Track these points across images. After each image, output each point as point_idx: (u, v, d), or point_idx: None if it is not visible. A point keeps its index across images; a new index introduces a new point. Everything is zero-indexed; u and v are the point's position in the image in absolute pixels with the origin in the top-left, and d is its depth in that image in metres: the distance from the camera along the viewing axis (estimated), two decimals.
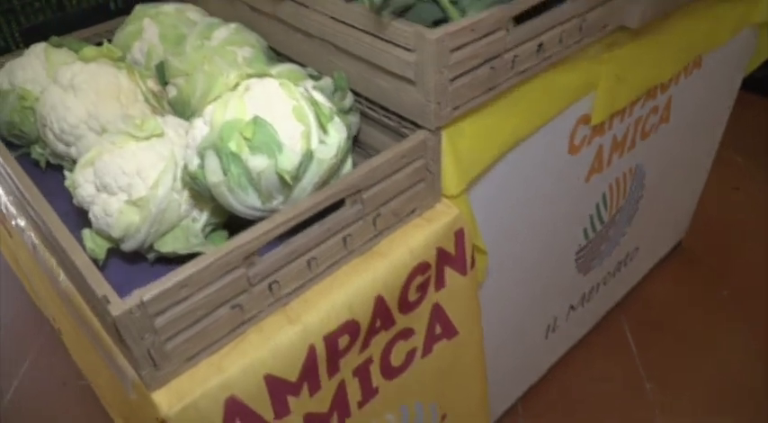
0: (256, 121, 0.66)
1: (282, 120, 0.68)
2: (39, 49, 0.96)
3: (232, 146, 0.66)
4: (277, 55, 1.02)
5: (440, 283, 0.91)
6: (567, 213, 1.24)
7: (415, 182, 0.83)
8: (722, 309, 1.75)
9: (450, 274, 0.91)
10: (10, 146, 0.98)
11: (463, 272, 0.92)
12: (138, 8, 1.05)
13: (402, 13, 0.77)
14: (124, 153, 0.74)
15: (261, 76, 0.73)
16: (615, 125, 1.20)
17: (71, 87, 0.86)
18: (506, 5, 0.80)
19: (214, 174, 0.67)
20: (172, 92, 0.95)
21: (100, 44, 0.96)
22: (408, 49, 0.77)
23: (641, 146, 1.33)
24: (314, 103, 0.71)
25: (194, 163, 0.69)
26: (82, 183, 0.75)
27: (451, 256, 0.90)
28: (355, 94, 0.90)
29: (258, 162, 0.66)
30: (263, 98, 0.69)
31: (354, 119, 0.90)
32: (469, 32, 0.76)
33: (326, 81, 0.87)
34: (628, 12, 1.00)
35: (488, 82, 0.83)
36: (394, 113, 0.86)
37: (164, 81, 0.97)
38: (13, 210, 0.95)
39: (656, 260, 1.83)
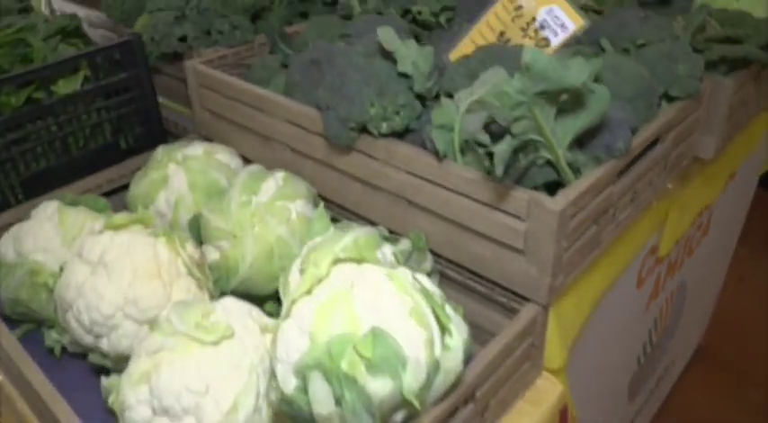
0: (376, 334, 0.53)
1: (401, 326, 0.55)
2: (50, 210, 0.81)
3: (344, 365, 0.53)
4: (323, 199, 0.90)
5: None
6: (628, 346, 1.15)
7: (522, 363, 0.71)
8: (754, 409, 1.68)
9: None
10: (9, 321, 0.81)
11: None
12: (162, 151, 0.91)
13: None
14: (187, 364, 0.60)
15: (358, 261, 0.61)
16: (672, 250, 1.12)
17: (102, 265, 0.71)
18: (615, 160, 0.71)
19: (323, 404, 0.53)
20: (211, 254, 0.81)
21: (115, 192, 0.82)
22: (519, 218, 0.66)
23: (687, 263, 1.26)
24: (426, 295, 0.59)
25: (291, 385, 0.55)
26: (134, 404, 0.60)
27: None
28: (433, 253, 0.78)
29: (380, 386, 0.53)
30: (372, 298, 0.57)
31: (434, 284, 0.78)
32: (586, 196, 0.67)
33: (405, 244, 0.75)
34: (702, 143, 0.94)
35: (594, 241, 0.74)
36: (487, 279, 0.75)
37: (199, 240, 0.83)
38: (21, 407, 0.77)
39: (683, 366, 1.75)
